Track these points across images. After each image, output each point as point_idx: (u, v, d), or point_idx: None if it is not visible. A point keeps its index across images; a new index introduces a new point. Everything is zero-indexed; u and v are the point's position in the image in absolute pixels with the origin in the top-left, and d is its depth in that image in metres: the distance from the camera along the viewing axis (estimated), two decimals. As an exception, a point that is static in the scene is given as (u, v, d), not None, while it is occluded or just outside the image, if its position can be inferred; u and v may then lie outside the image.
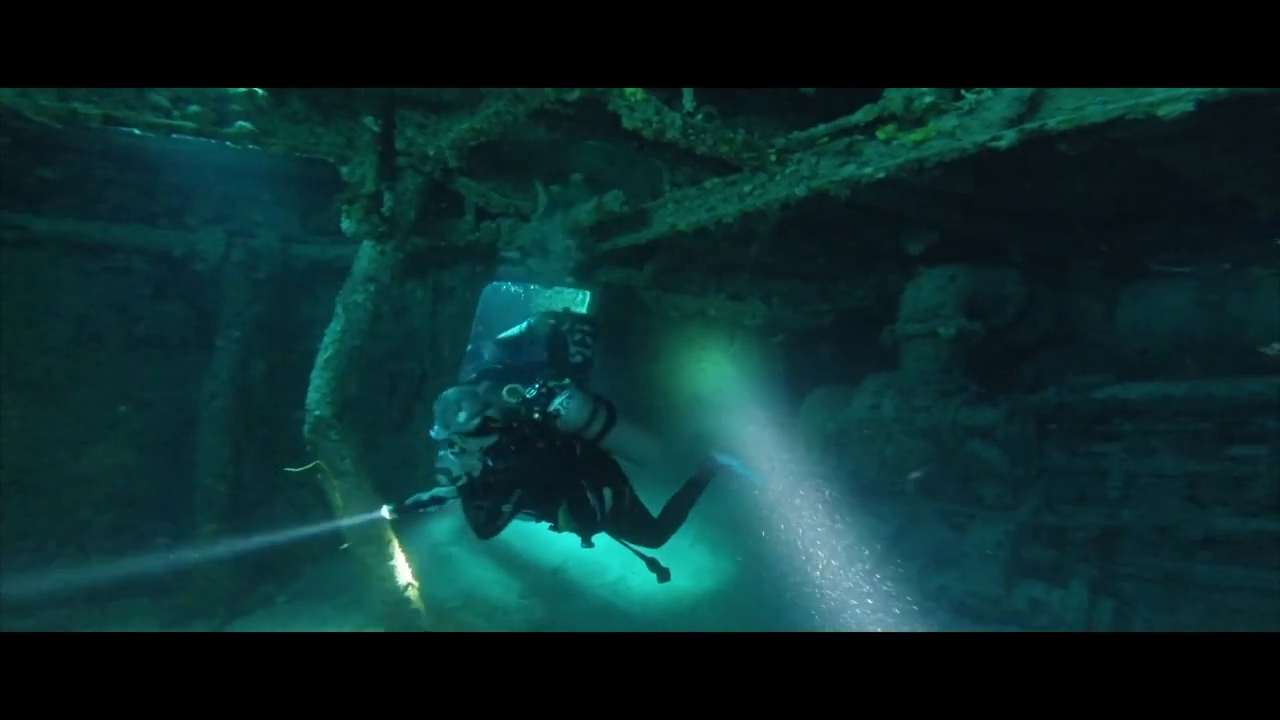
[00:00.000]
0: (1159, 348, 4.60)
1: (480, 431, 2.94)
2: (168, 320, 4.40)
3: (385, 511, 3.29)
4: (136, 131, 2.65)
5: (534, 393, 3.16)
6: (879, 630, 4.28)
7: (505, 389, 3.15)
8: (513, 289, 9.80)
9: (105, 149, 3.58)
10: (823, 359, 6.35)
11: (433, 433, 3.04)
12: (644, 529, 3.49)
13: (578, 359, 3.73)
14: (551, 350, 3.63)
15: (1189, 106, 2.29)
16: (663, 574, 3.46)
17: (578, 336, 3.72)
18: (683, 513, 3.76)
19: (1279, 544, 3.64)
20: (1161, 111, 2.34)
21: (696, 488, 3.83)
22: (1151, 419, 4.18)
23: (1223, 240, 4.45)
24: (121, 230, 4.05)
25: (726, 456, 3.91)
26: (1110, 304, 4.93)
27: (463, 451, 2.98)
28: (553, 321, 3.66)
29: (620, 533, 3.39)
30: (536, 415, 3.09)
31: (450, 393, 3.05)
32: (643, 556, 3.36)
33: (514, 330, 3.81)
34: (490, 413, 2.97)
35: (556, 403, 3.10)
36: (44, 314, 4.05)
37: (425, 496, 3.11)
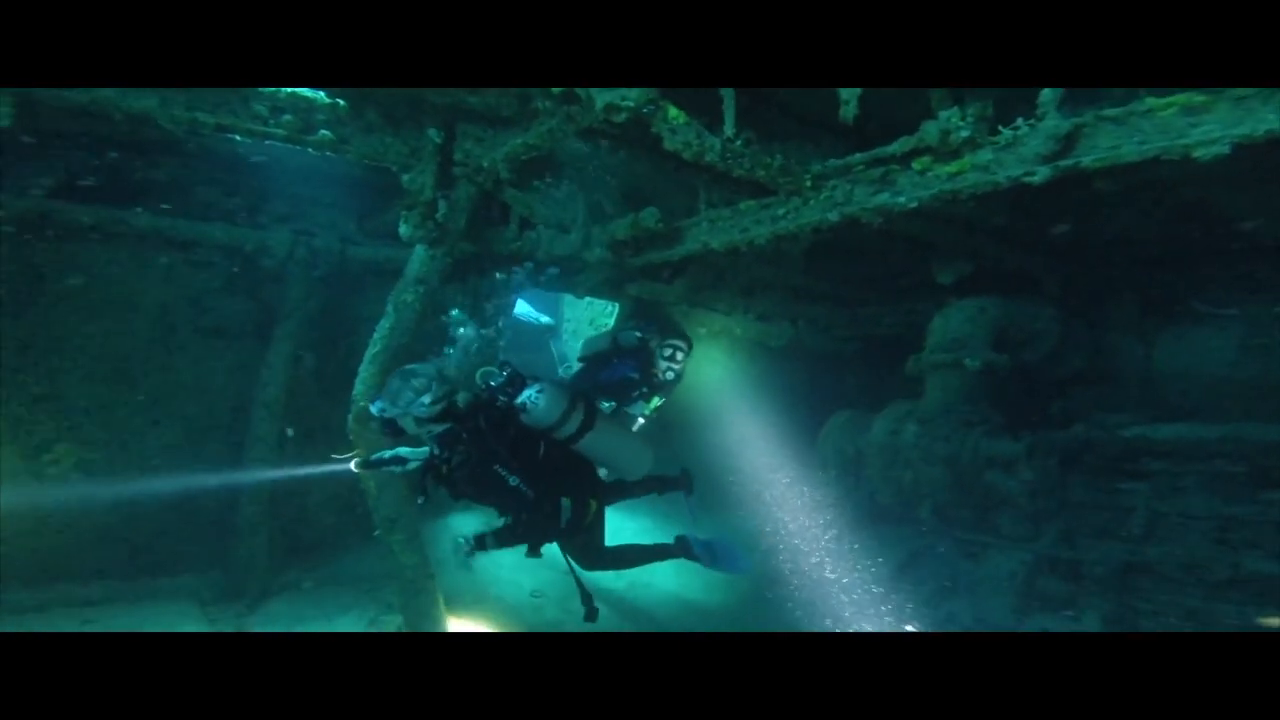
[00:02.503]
0: (1199, 390, 4.50)
1: (438, 417, 2.67)
2: (233, 312, 4.71)
3: (352, 465, 3.20)
4: (237, 138, 2.92)
5: (503, 379, 2.88)
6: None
7: (479, 371, 2.91)
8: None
9: (200, 152, 3.92)
10: (847, 383, 6.35)
11: (373, 408, 2.70)
12: (587, 548, 3.19)
13: (669, 376, 3.60)
14: (641, 366, 3.50)
15: (1224, 150, 2.30)
16: (591, 613, 3.14)
17: (668, 352, 3.59)
18: (632, 563, 3.46)
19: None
20: (1197, 154, 2.35)
21: (662, 554, 3.52)
22: (1182, 460, 4.09)
23: (1272, 282, 4.36)
24: (206, 227, 4.38)
25: (705, 549, 3.52)
26: (1149, 343, 4.85)
27: (403, 433, 2.69)
28: (640, 335, 3.54)
29: (564, 544, 3.13)
30: (501, 402, 2.81)
31: (418, 367, 2.74)
32: (581, 588, 3.07)
33: (588, 344, 3.72)
34: (457, 399, 2.70)
35: (525, 395, 2.78)
36: (133, 303, 4.39)
37: (387, 455, 3.02)
